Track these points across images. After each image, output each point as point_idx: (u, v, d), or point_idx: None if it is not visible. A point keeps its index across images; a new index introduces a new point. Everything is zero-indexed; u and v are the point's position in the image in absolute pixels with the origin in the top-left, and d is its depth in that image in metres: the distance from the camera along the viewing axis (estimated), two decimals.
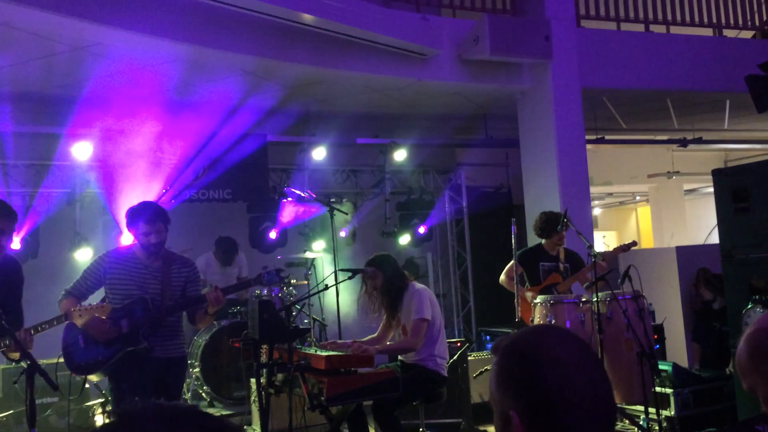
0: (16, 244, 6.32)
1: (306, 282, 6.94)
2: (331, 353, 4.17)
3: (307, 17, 5.62)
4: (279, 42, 5.98)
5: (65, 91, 6.29)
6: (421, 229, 8.25)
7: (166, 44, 5.43)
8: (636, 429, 5.07)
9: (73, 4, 4.86)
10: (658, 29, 8.35)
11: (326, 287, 4.90)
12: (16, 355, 3.35)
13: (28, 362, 3.16)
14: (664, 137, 10.32)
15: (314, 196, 7.41)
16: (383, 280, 4.64)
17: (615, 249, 5.63)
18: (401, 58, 6.59)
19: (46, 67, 5.66)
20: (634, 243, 5.68)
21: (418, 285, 4.74)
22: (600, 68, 7.60)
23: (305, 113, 7.85)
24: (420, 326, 4.50)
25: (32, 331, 3.32)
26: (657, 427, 5.01)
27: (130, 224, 3.99)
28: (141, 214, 3.97)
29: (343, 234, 7.88)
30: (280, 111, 7.68)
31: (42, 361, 4.93)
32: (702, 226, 13.02)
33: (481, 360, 6.12)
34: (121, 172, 6.63)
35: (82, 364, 3.86)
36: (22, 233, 6.39)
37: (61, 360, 3.94)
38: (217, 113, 6.87)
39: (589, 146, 8.07)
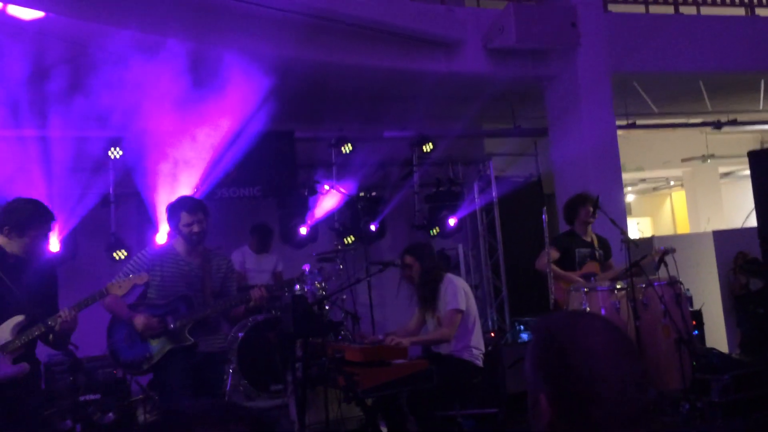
0: (54, 246, 6.47)
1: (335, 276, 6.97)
2: (366, 346, 4.20)
3: (330, 9, 5.63)
4: (302, 36, 6.00)
5: (94, 93, 6.40)
6: (452, 221, 8.22)
7: (178, 42, 5.49)
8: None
9: (92, 9, 4.95)
10: (688, 10, 8.19)
11: (358, 280, 4.92)
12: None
13: (72, 357, 3.25)
14: (698, 120, 10.11)
15: (343, 190, 7.44)
16: (420, 270, 4.64)
17: (654, 253, 5.25)
18: (427, 49, 6.57)
19: (74, 71, 5.76)
20: (674, 249, 5.33)
21: (452, 276, 4.72)
22: (629, 52, 7.48)
23: (332, 108, 7.87)
24: (454, 317, 4.50)
25: (75, 309, 3.38)
26: (698, 414, 4.93)
27: (171, 217, 4.05)
28: (183, 205, 4.05)
29: (373, 228, 7.90)
30: (306, 106, 7.71)
31: (86, 359, 5.04)
32: (739, 209, 12.76)
33: (516, 349, 6.08)
34: (153, 172, 6.73)
35: (129, 360, 3.94)
36: (61, 236, 6.54)
37: (104, 356, 4.03)
38: (244, 110, 6.92)
39: (620, 132, 7.95)
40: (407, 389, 4.14)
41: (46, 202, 3.57)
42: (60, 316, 3.31)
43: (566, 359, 1.19)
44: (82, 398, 4.83)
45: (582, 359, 1.18)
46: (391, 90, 7.40)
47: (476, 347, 4.64)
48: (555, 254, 5.43)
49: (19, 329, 3.31)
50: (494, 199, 8.67)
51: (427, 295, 4.63)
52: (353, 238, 7.65)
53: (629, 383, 1.19)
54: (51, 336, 3.37)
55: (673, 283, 4.84)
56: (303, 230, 7.64)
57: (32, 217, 3.40)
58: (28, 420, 3.37)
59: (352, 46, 6.32)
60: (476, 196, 8.77)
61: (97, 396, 5.10)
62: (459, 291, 4.55)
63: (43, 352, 3.97)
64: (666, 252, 5.00)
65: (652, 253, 5.21)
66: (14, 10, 4.95)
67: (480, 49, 6.90)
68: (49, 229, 3.49)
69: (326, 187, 7.26)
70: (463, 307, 4.52)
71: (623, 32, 7.47)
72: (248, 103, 7.00)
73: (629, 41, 7.49)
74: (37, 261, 3.57)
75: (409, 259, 4.66)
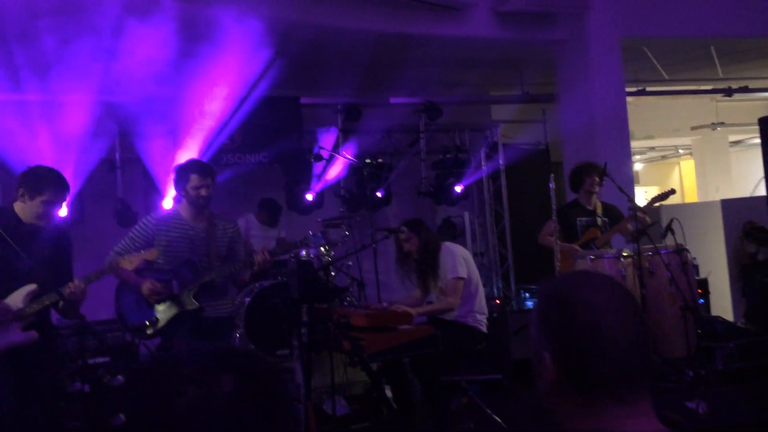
0: (63, 211, 6.49)
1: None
2: (371, 311, 4.22)
3: None
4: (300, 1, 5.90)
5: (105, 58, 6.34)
6: (458, 188, 8.19)
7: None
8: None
9: None
10: None
11: (363, 247, 4.92)
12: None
13: (80, 320, 3.28)
14: (708, 87, 9.98)
15: (349, 156, 7.40)
16: (418, 243, 4.65)
17: (653, 198, 5.48)
18: (434, 13, 6.47)
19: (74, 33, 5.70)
20: (673, 191, 5.47)
21: (449, 244, 4.74)
22: (639, 16, 7.34)
23: (337, 73, 7.79)
24: (456, 285, 4.52)
25: (85, 281, 3.41)
26: (702, 382, 4.95)
27: (180, 179, 4.03)
28: (193, 167, 4.04)
29: (379, 194, 7.88)
30: (312, 72, 7.64)
31: (94, 322, 5.09)
32: (748, 178, 12.65)
33: (521, 316, 6.11)
34: (159, 137, 6.70)
35: (136, 324, 3.98)
36: (68, 201, 6.55)
37: (113, 320, 4.07)
38: (248, 76, 6.85)
39: (629, 99, 7.85)
40: (412, 354, 4.17)
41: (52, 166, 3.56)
42: (69, 287, 3.33)
43: (572, 315, 1.18)
44: (91, 361, 4.89)
45: (588, 315, 1.17)
46: (398, 55, 7.30)
47: (480, 312, 4.67)
48: (557, 226, 5.43)
49: (31, 298, 3.34)
50: (501, 167, 8.62)
51: (427, 266, 4.65)
52: (360, 204, 7.63)
53: (636, 340, 1.18)
54: (61, 304, 3.40)
55: (680, 251, 4.83)
56: (309, 196, 7.63)
57: (48, 181, 3.39)
58: (43, 385, 3.42)
59: (357, 9, 6.22)
60: (483, 163, 8.71)
61: (107, 359, 5.17)
62: (458, 258, 4.57)
63: (52, 315, 4.01)
64: (665, 196, 5.11)
65: (650, 199, 5.33)
66: None
67: (489, 13, 6.79)
68: (62, 198, 3.46)
69: (332, 153, 7.22)
70: (464, 274, 4.55)
71: None
72: (252, 68, 6.93)
73: (640, 5, 7.34)
74: (49, 229, 3.58)
75: (406, 233, 4.67)
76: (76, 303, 3.43)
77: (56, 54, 5.68)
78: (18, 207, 3.42)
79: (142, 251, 3.75)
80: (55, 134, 6.52)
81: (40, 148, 6.36)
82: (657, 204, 5.50)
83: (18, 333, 3.28)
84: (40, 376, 3.41)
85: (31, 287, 3.33)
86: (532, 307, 1.34)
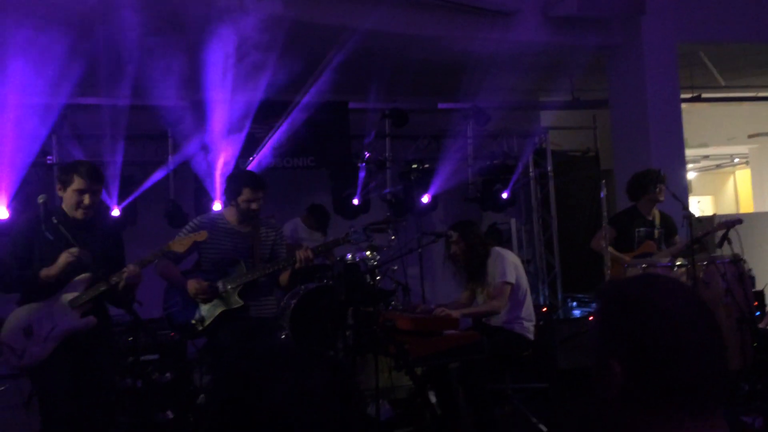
0: (115, 212, 6.67)
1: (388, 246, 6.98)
2: (417, 315, 4.20)
3: None
4: (351, 6, 5.94)
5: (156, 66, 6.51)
6: (504, 195, 8.11)
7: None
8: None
9: None
10: None
11: (410, 251, 4.92)
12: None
13: (134, 316, 3.37)
14: (767, 94, 9.65)
15: (390, 162, 7.41)
16: (465, 246, 4.62)
17: (719, 224, 5.22)
18: (485, 19, 6.44)
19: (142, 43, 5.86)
20: (740, 221, 5.20)
21: (500, 249, 4.69)
22: (696, 21, 7.15)
23: (387, 79, 7.81)
24: (503, 289, 4.47)
25: (139, 265, 3.51)
26: (758, 395, 4.77)
27: (231, 189, 4.09)
28: (247, 181, 4.08)
29: (425, 199, 7.86)
30: (360, 77, 7.67)
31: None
32: None
33: (568, 325, 6.00)
34: (211, 141, 6.83)
35: (183, 323, 4.05)
36: (121, 203, 6.73)
37: (161, 319, 4.15)
38: (298, 81, 6.93)
39: (683, 105, 7.66)
40: (457, 360, 4.13)
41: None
42: (124, 272, 3.42)
43: (644, 321, 1.12)
44: (142, 358, 5.00)
45: (663, 321, 1.11)
46: (447, 60, 7.28)
47: (527, 319, 4.60)
48: (612, 233, 5.27)
49: (86, 287, 3.46)
50: (549, 173, 8.50)
51: (475, 269, 4.61)
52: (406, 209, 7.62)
53: (713, 348, 1.12)
54: (114, 294, 3.49)
55: (737, 261, 4.67)
56: (355, 201, 7.66)
57: (74, 169, 3.50)
58: (98, 371, 3.52)
59: (407, 14, 6.23)
60: (531, 169, 8.61)
61: (156, 356, 5.28)
62: (507, 263, 4.52)
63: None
64: (730, 224, 4.82)
65: (715, 226, 5.04)
66: None
67: (539, 18, 6.71)
68: (93, 187, 3.50)
69: (380, 159, 7.22)
70: (512, 279, 4.49)
71: (692, 0, 7.15)
72: (302, 74, 6.99)
73: (697, 9, 7.16)
74: (101, 224, 3.70)
75: (454, 236, 4.65)
76: (131, 288, 3.51)
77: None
78: (64, 204, 3.55)
79: (193, 234, 3.81)
80: (112, 137, 6.72)
81: (92, 150, 6.55)
82: (719, 231, 5.15)
83: (77, 319, 3.42)
84: (96, 365, 3.51)
85: (86, 276, 3.46)
86: (594, 311, 1.30)
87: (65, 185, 3.49)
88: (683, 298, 1.15)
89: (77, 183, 3.47)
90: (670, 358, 1.09)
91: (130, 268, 3.46)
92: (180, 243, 3.74)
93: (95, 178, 3.53)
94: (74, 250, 3.37)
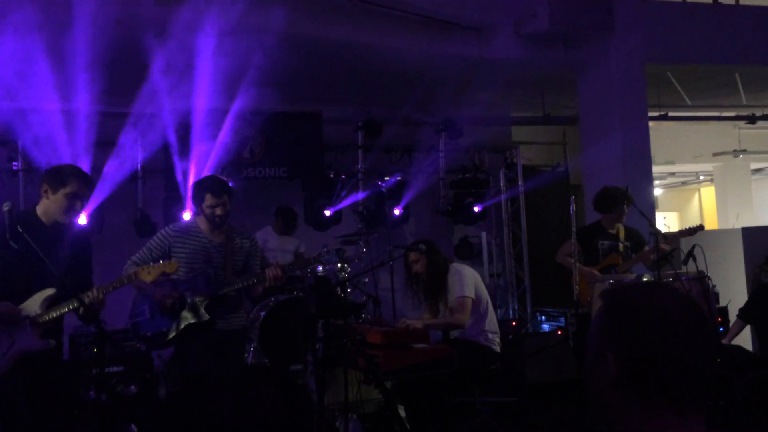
0: (82, 219, 6.54)
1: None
2: (387, 329, 4.20)
3: None
4: (326, 17, 5.94)
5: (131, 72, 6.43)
6: (476, 208, 8.17)
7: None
8: None
9: None
10: (727, 0, 7.99)
11: (381, 264, 4.92)
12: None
13: (99, 329, 3.27)
14: (731, 113, 9.91)
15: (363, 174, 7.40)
16: (427, 263, 4.66)
17: (680, 231, 5.44)
18: (458, 33, 6.50)
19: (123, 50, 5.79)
20: (701, 227, 5.43)
21: (458, 265, 4.77)
22: (664, 42, 7.32)
23: (359, 91, 7.83)
24: (463, 303, 4.53)
25: (103, 291, 3.38)
26: (720, 412, 4.86)
27: (196, 197, 4.06)
28: (208, 186, 4.05)
29: (397, 212, 7.87)
30: (333, 89, 7.67)
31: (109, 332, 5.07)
32: None
33: (537, 339, 6.05)
34: (180, 150, 6.75)
35: (149, 335, 3.98)
36: (88, 209, 6.60)
37: (126, 329, 4.08)
38: (270, 90, 6.90)
39: (651, 123, 7.81)
40: (428, 374, 4.13)
41: None
42: (89, 296, 3.31)
43: (643, 319, 1.19)
44: (106, 369, 4.90)
45: (661, 320, 1.19)
46: (420, 74, 7.33)
47: (491, 332, 4.65)
48: (577, 248, 5.36)
49: (49, 303, 3.30)
50: (520, 188, 8.59)
51: (437, 286, 4.65)
52: (377, 222, 7.63)
53: (705, 351, 1.19)
54: (81, 310, 3.38)
55: (701, 277, 4.76)
56: (327, 212, 7.64)
57: (70, 173, 3.39)
58: (53, 391, 3.39)
59: (381, 27, 6.26)
60: (502, 183, 8.69)
61: (121, 368, 5.18)
62: (465, 278, 4.60)
63: (69, 324, 4.02)
64: (693, 231, 5.04)
65: (677, 232, 5.24)
66: None
67: (512, 35, 6.80)
68: (85, 191, 3.43)
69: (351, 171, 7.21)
70: (470, 293, 4.56)
71: (659, 21, 7.32)
72: (275, 83, 6.97)
73: (665, 30, 7.33)
74: (72, 230, 3.57)
75: (414, 255, 4.68)
76: (95, 312, 3.42)
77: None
78: (40, 208, 3.41)
79: (161, 262, 3.71)
80: (76, 143, 6.60)
81: (61, 156, 6.43)
82: (681, 237, 5.43)
83: (35, 340, 3.20)
84: (47, 381, 3.35)
85: (49, 292, 3.30)
86: (597, 311, 1.38)
87: (56, 189, 3.36)
88: (684, 306, 1.22)
89: (72, 186, 3.36)
90: (661, 357, 1.17)
91: (93, 293, 3.32)
92: (148, 272, 3.62)
93: (89, 183, 3.47)
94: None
